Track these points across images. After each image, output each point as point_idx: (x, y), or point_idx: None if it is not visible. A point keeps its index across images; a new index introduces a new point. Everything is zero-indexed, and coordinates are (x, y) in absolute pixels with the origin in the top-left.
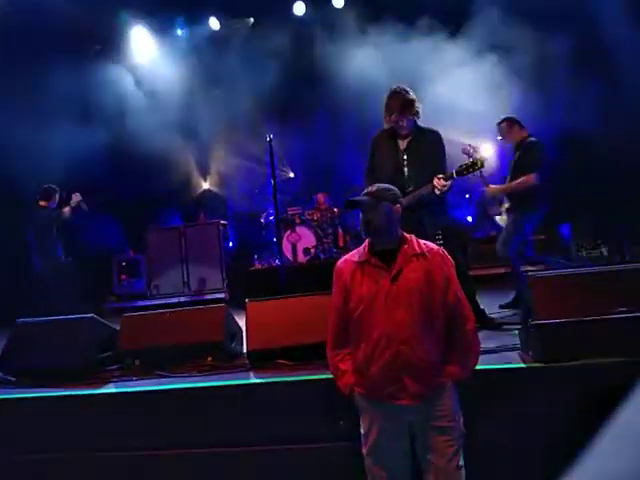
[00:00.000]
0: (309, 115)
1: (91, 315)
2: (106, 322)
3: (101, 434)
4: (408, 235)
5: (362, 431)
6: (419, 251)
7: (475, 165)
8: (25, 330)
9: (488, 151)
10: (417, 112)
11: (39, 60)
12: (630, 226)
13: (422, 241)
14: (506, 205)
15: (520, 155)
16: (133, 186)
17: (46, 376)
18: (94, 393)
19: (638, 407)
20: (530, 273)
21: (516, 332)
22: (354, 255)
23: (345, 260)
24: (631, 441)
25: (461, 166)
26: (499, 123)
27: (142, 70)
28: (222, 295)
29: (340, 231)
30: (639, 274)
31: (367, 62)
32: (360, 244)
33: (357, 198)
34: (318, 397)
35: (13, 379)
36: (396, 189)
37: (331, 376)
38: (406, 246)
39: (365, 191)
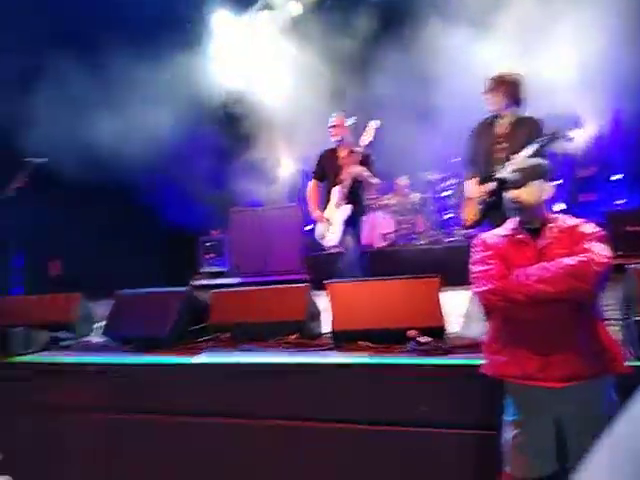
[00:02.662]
0: (390, 93)
1: (184, 289)
2: (197, 296)
3: (192, 400)
4: (557, 213)
5: (506, 417)
6: (566, 226)
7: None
8: (125, 301)
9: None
10: (512, 94)
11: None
12: None
13: (571, 217)
14: None
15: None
16: (217, 166)
17: (144, 343)
18: (187, 362)
19: (634, 421)
20: (633, 265)
21: (618, 328)
22: (500, 231)
23: (492, 235)
24: (628, 456)
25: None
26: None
27: (228, 56)
28: (300, 276)
29: (420, 217)
30: None
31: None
32: (441, 230)
33: (509, 176)
34: (400, 380)
35: (116, 345)
36: (547, 164)
37: (416, 361)
38: (553, 223)
39: (515, 167)
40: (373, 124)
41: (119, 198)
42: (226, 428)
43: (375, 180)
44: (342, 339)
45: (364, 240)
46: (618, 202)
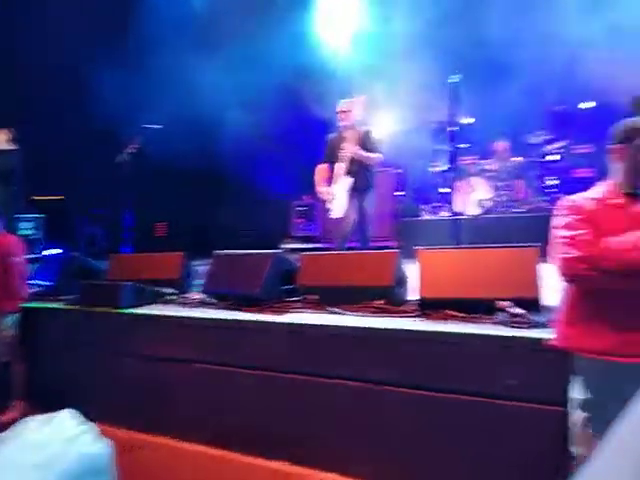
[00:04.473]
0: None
1: (276, 251)
2: (288, 259)
3: (275, 357)
4: None
5: (575, 395)
6: None
7: None
8: (222, 261)
9: None
10: None
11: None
12: None
13: None
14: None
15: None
16: (313, 130)
17: (238, 301)
18: (275, 320)
19: (635, 423)
20: None
21: None
22: (591, 193)
23: (582, 197)
24: (630, 458)
25: None
26: None
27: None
28: (390, 243)
29: (521, 182)
30: None
31: None
32: (542, 197)
33: None
34: (490, 353)
35: (215, 301)
36: None
37: (503, 333)
38: None
39: None
40: (360, 99)
41: (218, 165)
42: (310, 387)
43: (374, 156)
44: (429, 307)
45: (458, 207)
46: None
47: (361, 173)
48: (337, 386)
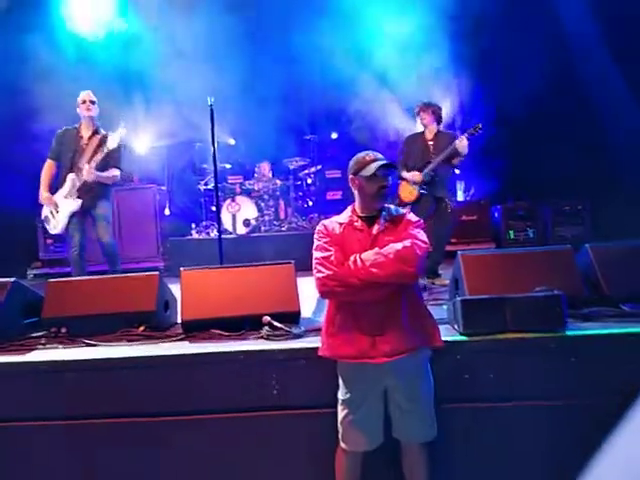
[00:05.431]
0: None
1: (14, 279)
2: (30, 287)
3: (24, 403)
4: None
5: (340, 396)
6: (394, 215)
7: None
8: None
9: None
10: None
11: None
12: (555, 210)
13: (397, 208)
14: None
15: None
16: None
17: None
18: (17, 361)
19: (635, 432)
20: (461, 251)
21: (445, 307)
22: (339, 218)
23: (331, 221)
24: (629, 468)
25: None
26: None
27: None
28: (156, 264)
29: (282, 203)
30: (558, 256)
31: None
32: (302, 217)
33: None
34: (253, 367)
35: None
36: None
37: (265, 347)
38: (384, 212)
39: (381, 157)
40: (121, 132)
41: None
42: (58, 430)
43: (111, 175)
44: (193, 329)
45: (226, 226)
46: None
47: (93, 190)
48: (100, 426)
